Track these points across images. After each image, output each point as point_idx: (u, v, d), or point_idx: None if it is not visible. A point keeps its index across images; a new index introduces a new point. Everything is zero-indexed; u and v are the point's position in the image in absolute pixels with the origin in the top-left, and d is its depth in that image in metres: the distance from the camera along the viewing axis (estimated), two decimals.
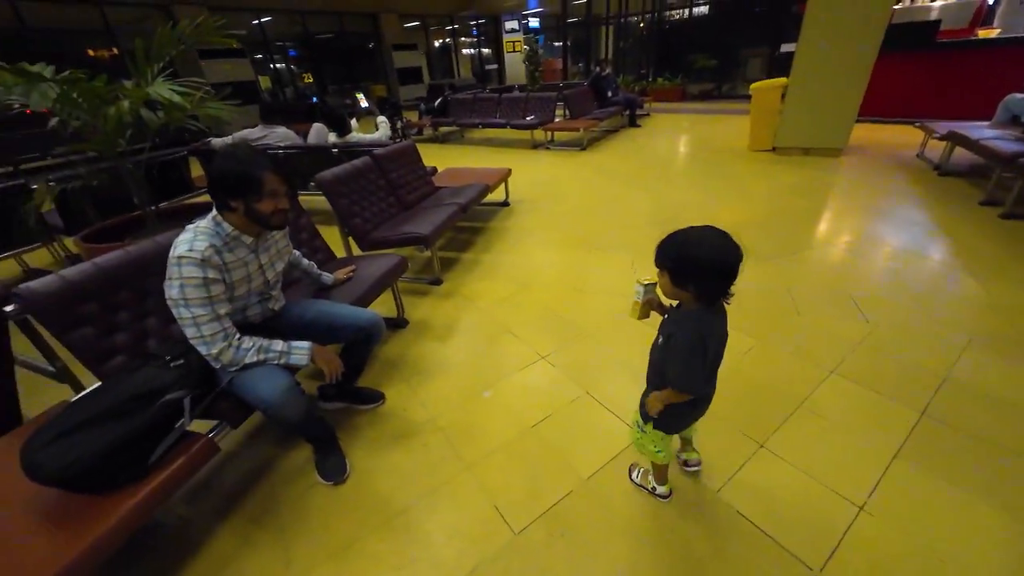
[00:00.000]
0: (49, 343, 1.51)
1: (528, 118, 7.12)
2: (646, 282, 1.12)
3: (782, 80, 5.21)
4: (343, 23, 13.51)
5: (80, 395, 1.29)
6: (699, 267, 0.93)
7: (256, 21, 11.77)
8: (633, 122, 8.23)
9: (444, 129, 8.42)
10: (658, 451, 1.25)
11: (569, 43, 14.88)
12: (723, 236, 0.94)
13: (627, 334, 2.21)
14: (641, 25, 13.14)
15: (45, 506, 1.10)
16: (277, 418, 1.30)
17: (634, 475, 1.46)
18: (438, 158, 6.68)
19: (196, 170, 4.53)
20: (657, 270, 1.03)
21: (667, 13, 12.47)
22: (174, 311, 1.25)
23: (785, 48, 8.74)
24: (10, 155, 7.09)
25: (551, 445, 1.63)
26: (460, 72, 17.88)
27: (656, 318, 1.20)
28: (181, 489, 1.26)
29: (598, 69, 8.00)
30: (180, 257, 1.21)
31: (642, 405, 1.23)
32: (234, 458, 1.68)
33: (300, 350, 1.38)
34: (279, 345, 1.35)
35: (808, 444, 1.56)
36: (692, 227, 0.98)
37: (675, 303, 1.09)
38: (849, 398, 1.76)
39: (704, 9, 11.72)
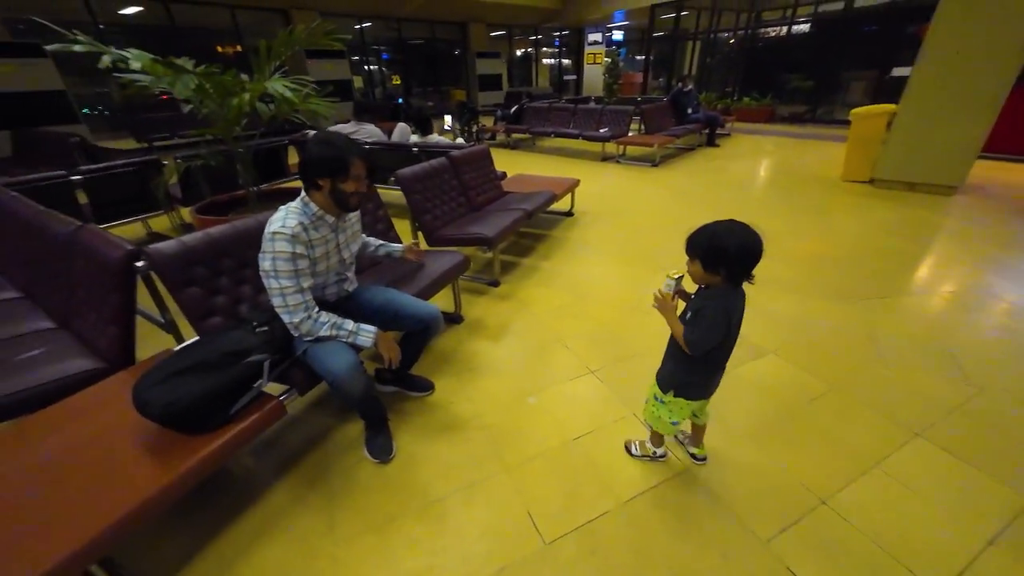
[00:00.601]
0: (163, 298, 1.75)
1: (601, 130, 7.07)
2: (675, 275, 1.28)
3: (889, 107, 4.74)
4: (434, 30, 14.28)
5: (182, 345, 1.48)
6: (729, 254, 1.09)
7: (358, 26, 12.77)
8: (712, 141, 7.88)
9: (517, 136, 8.60)
10: (674, 422, 1.39)
11: (652, 57, 14.57)
12: (746, 227, 1.11)
13: None
14: (731, 41, 12.57)
15: (147, 437, 1.28)
16: (341, 391, 1.41)
17: (633, 451, 1.60)
18: (508, 163, 6.85)
19: (292, 158, 5.00)
20: (688, 259, 1.18)
21: (761, 30, 11.83)
22: (265, 281, 1.39)
23: (897, 72, 7.94)
24: (147, 133, 8.30)
25: (591, 461, 1.60)
26: (538, 81, 18.16)
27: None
28: (251, 443, 1.39)
29: (680, 84, 7.77)
30: (274, 233, 1.36)
31: (660, 378, 1.38)
32: (298, 422, 1.83)
33: (367, 332, 1.49)
34: (350, 324, 1.47)
35: (880, 510, 1.41)
36: (718, 221, 1.15)
37: (701, 286, 1.24)
38: (936, 467, 1.56)
39: (804, 27, 10.97)
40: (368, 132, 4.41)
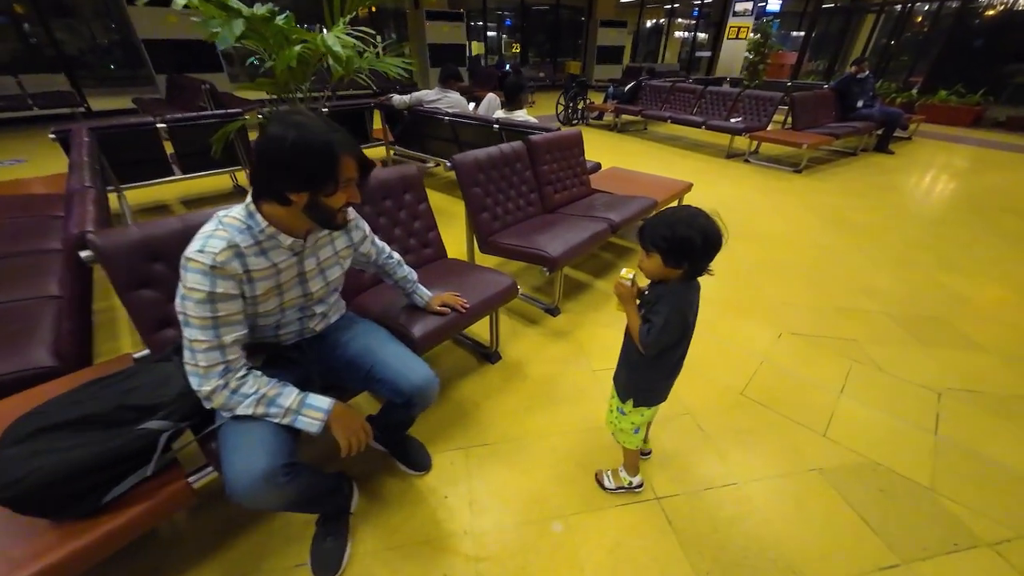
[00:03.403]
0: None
1: (733, 120, 5.79)
2: (629, 275, 1.10)
3: None
4: None
5: (99, 378, 1.10)
6: (695, 246, 0.96)
7: None
8: (884, 146, 6.08)
9: (627, 117, 7.53)
10: (635, 431, 1.28)
11: (813, 34, 11.94)
12: (708, 215, 0.98)
13: (823, 511, 1.32)
14: (931, 16, 9.66)
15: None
16: (242, 505, 0.93)
17: (607, 483, 1.40)
18: (609, 151, 5.96)
19: (378, 123, 4.74)
20: (643, 252, 1.03)
21: (982, 2, 8.82)
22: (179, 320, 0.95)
23: None
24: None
25: None
26: (665, 56, 16.22)
27: None
28: (134, 538, 0.99)
29: (853, 69, 6.04)
30: (188, 258, 0.89)
31: (618, 386, 1.24)
32: None
33: (313, 412, 0.98)
34: (288, 399, 0.97)
35: None
36: (675, 207, 1.03)
37: (654, 281, 1.09)
38: None
39: None
40: (451, 101, 3.92)
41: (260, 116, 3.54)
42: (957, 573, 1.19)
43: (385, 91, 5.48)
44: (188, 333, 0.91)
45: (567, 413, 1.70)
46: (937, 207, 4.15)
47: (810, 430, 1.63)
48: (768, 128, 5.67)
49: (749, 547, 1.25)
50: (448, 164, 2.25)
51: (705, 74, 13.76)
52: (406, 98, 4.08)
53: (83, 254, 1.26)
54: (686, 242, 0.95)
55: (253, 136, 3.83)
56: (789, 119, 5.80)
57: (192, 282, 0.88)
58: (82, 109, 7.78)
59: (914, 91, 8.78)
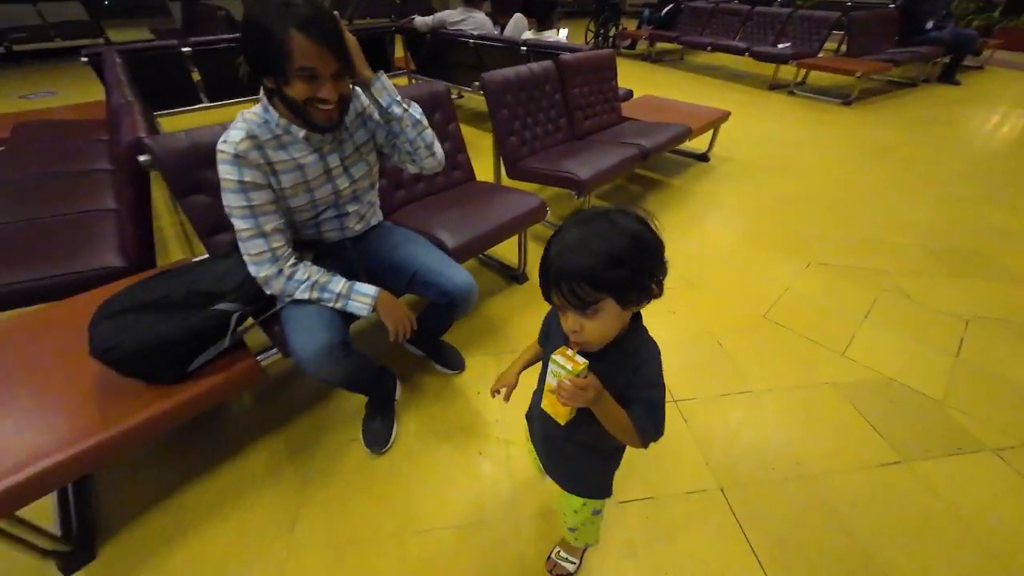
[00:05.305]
0: None
1: (781, 46, 5.30)
2: (579, 359, 0.60)
3: None
4: None
5: (167, 267, 1.23)
6: (660, 257, 0.59)
7: None
8: (950, 76, 5.51)
9: (662, 45, 6.97)
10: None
11: None
12: (626, 211, 0.59)
13: (860, 440, 1.41)
14: None
15: (106, 373, 1.09)
16: (308, 375, 1.06)
17: (570, 567, 1.06)
18: (642, 81, 5.59)
19: (400, 51, 4.55)
20: (576, 317, 0.59)
21: None
22: None
23: None
24: None
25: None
26: None
27: None
28: (214, 405, 1.15)
29: None
30: (217, 151, 0.97)
31: (591, 490, 0.89)
32: None
33: (362, 297, 1.09)
34: (338, 285, 1.07)
35: None
36: (588, 215, 0.59)
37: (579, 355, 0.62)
38: None
39: None
40: (477, 22, 3.70)
41: None
42: (957, 471, 1.27)
43: (406, 15, 5.20)
44: (235, 224, 1.00)
45: None
46: (1000, 142, 3.82)
47: (829, 349, 1.68)
48: (819, 55, 5.19)
49: (757, 444, 1.35)
50: (475, 86, 2.19)
51: None
52: (429, 19, 3.87)
53: (141, 158, 1.34)
54: (653, 254, 0.58)
55: None
56: (844, 46, 5.27)
57: (223, 173, 0.96)
58: (101, 40, 7.67)
59: (996, 12, 7.73)
